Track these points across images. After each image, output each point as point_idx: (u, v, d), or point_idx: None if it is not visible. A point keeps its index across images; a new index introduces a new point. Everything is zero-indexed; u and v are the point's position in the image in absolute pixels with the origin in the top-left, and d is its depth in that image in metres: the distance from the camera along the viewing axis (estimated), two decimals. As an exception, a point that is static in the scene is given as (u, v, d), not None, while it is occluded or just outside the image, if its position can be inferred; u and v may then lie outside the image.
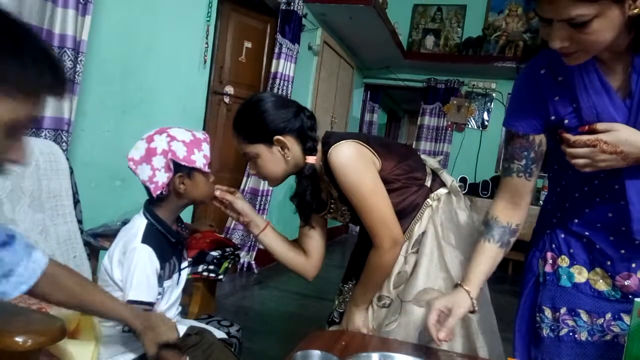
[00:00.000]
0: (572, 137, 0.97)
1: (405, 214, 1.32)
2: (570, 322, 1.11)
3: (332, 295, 3.40)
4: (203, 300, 1.71)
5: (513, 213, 1.16)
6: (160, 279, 1.17)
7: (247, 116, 1.28)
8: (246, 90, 3.66)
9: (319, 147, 1.31)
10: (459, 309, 1.09)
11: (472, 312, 1.13)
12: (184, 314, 1.63)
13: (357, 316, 1.34)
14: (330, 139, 1.27)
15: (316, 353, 0.87)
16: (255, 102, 1.28)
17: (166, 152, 1.12)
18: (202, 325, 1.42)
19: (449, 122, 5.98)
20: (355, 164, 1.21)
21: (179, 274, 1.25)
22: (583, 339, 1.10)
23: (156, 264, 1.14)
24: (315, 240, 1.45)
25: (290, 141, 1.26)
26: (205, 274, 1.69)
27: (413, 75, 6.12)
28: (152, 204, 1.19)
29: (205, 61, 2.95)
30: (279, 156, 1.27)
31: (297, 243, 1.49)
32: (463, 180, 4.95)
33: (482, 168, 5.53)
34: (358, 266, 1.48)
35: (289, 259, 1.43)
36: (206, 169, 1.19)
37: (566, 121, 1.02)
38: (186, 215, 3.10)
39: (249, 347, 2.16)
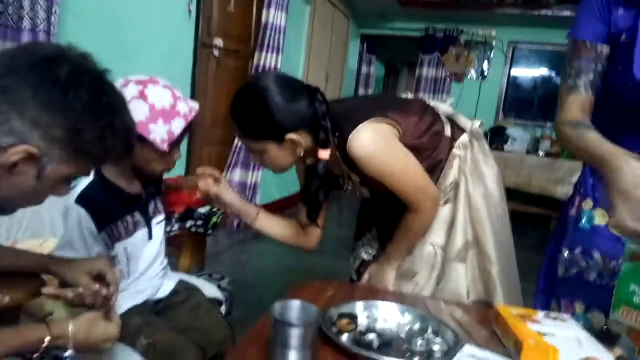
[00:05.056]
0: None
1: (429, 171, 1.22)
2: (582, 263, 1.11)
3: (329, 248, 3.43)
4: (193, 255, 1.70)
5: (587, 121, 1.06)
6: (113, 240, 1.12)
7: (252, 110, 1.10)
8: (236, 43, 3.54)
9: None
10: None
11: None
12: (175, 268, 1.63)
13: (389, 273, 1.30)
14: (343, 123, 1.14)
15: (296, 303, 0.85)
16: (259, 94, 1.09)
17: None
18: (193, 280, 1.41)
19: (448, 73, 5.84)
20: (380, 150, 1.13)
21: (150, 230, 1.21)
22: (591, 279, 1.10)
23: (89, 225, 1.07)
24: None
25: (303, 136, 1.12)
26: (193, 229, 1.68)
27: (411, 25, 5.92)
28: None
29: (190, 11, 2.82)
30: (289, 151, 1.14)
31: (294, 219, 1.40)
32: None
33: (482, 118, 5.44)
34: (368, 220, 1.45)
35: (287, 239, 1.37)
36: (163, 147, 1.04)
37: (623, 37, 0.99)
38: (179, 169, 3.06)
39: (245, 300, 2.19)
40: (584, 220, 1.13)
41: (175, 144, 1.09)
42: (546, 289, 1.19)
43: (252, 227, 1.33)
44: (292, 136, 1.11)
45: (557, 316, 0.98)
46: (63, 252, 1.06)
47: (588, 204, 1.14)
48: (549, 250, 1.22)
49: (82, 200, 1.08)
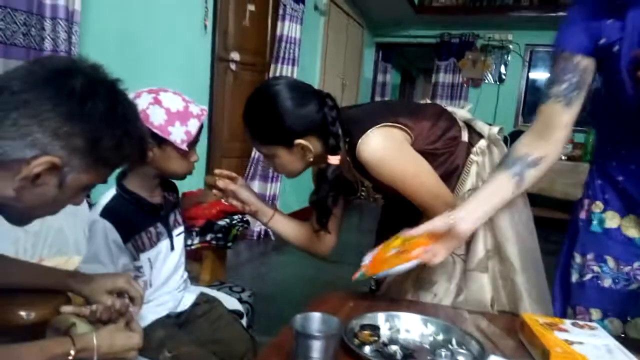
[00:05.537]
0: None
1: (445, 177, 1.20)
2: (596, 268, 1.09)
3: (349, 258, 3.39)
4: (214, 268, 1.71)
5: (538, 144, 1.05)
6: (137, 251, 1.14)
7: (262, 115, 1.12)
8: (252, 56, 3.58)
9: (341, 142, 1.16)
10: (433, 221, 1.04)
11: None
12: (196, 281, 1.64)
13: (407, 282, 1.27)
14: (353, 129, 1.13)
15: (317, 315, 0.84)
16: (270, 98, 1.11)
17: (143, 112, 1.05)
18: (214, 292, 1.42)
19: (465, 78, 5.80)
20: (390, 154, 1.12)
21: (171, 241, 1.22)
22: (606, 285, 1.07)
23: (115, 237, 1.09)
24: (331, 219, 1.31)
25: (312, 142, 1.13)
26: (213, 242, 1.69)
27: (426, 31, 5.92)
28: (124, 172, 1.16)
29: (205, 26, 2.87)
30: (299, 156, 1.15)
31: (309, 223, 1.37)
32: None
33: (501, 124, 5.39)
34: (388, 229, 1.44)
35: (300, 242, 1.36)
36: (183, 147, 1.09)
37: (616, 47, 0.95)
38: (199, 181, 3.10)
39: (266, 312, 2.18)
40: (594, 223, 1.10)
41: (192, 144, 1.13)
42: (562, 295, 1.15)
43: (267, 226, 1.34)
44: (301, 141, 1.12)
45: (586, 324, 0.95)
46: (90, 266, 1.08)
47: (598, 206, 1.10)
48: (561, 255, 1.18)
49: (106, 213, 1.10)
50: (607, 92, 1.03)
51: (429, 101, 1.46)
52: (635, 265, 1.05)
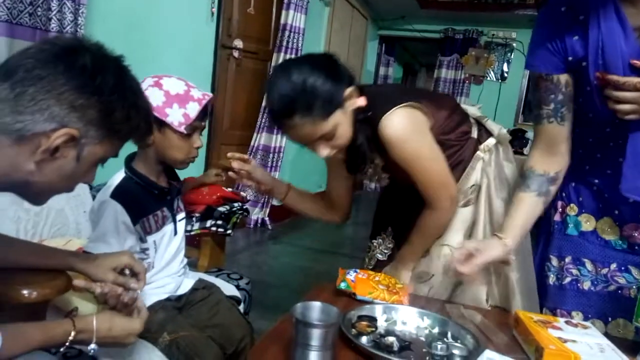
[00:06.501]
0: (621, 79, 0.90)
1: (450, 169, 1.22)
2: (574, 271, 1.11)
3: (344, 249, 3.40)
4: (212, 254, 1.72)
5: (550, 161, 1.10)
6: (145, 233, 1.15)
7: (311, 90, 1.03)
8: (256, 44, 3.57)
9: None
10: (490, 251, 1.05)
11: (505, 262, 1.10)
12: (194, 266, 1.65)
13: (404, 275, 1.29)
14: (377, 103, 1.12)
15: (317, 304, 0.86)
16: (307, 68, 1.05)
17: None
18: (212, 279, 1.43)
19: (467, 75, 5.79)
20: (412, 134, 1.13)
21: (175, 225, 1.24)
22: (586, 288, 1.10)
23: (124, 218, 1.10)
24: (342, 185, 1.40)
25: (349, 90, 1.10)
26: (213, 229, 1.70)
27: (430, 26, 5.89)
28: (132, 157, 1.17)
29: (212, 13, 2.86)
30: (348, 115, 1.11)
31: (322, 194, 1.47)
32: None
33: (501, 121, 5.35)
34: (385, 219, 1.46)
35: (317, 213, 1.44)
36: (180, 129, 1.09)
37: (584, 63, 0.97)
38: (199, 169, 3.10)
39: (261, 301, 2.20)
40: (570, 226, 1.12)
41: (194, 129, 1.14)
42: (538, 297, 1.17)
43: (282, 202, 1.40)
44: (347, 90, 1.08)
45: (579, 323, 0.97)
46: (96, 245, 1.09)
47: (572, 209, 1.13)
48: (536, 258, 1.20)
49: (117, 194, 1.12)
50: (578, 100, 1.05)
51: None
52: (613, 267, 1.07)
